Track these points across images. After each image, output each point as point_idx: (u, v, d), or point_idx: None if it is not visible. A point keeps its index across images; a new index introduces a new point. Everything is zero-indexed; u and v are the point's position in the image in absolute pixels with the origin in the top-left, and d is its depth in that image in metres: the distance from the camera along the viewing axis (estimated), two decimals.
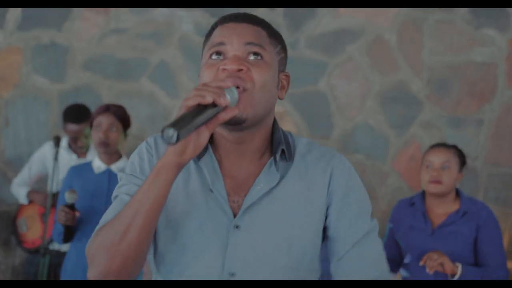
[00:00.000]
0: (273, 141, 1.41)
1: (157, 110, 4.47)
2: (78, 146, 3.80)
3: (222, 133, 1.38)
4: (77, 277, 3.17)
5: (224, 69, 1.34)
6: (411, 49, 4.40)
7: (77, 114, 3.81)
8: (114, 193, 1.42)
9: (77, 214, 3.08)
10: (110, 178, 3.24)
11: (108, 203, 3.29)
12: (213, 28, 1.45)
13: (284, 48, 1.45)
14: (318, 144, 1.48)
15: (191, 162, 1.38)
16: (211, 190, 1.36)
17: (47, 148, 3.89)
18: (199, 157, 1.38)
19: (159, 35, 4.47)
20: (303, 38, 4.38)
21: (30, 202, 3.91)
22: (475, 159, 4.39)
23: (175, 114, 4.44)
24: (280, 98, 1.44)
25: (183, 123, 1.18)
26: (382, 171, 4.41)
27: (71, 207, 3.06)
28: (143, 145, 1.45)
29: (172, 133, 1.15)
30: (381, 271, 1.41)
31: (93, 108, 4.25)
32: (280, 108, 4.38)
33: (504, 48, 4.36)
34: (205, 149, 1.39)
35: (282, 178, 1.39)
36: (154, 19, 4.48)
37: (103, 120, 3.18)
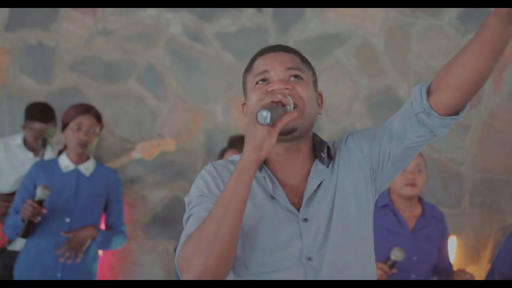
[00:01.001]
0: (315, 144, 1.64)
1: (144, 112, 4.45)
2: (38, 145, 3.73)
3: (275, 149, 1.56)
4: (35, 274, 3.14)
5: (271, 90, 1.53)
6: (399, 54, 4.42)
7: (45, 113, 3.77)
8: (186, 216, 1.56)
9: (44, 211, 3.06)
10: (78, 179, 3.23)
11: (77, 202, 3.28)
12: (253, 61, 1.65)
13: (314, 73, 1.69)
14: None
15: None
16: (273, 197, 1.55)
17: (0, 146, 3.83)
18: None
19: (146, 37, 4.46)
20: (291, 42, 4.38)
21: None
22: (461, 165, 4.41)
23: (162, 116, 4.43)
24: (318, 114, 1.65)
25: (271, 109, 1.40)
26: None
27: (40, 202, 3.04)
28: (203, 172, 1.62)
29: (266, 114, 1.38)
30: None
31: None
32: None
33: None
34: (261, 166, 1.58)
35: (330, 169, 1.60)
36: (141, 20, 4.47)
37: (85, 121, 3.17)
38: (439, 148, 4.41)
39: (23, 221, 3.08)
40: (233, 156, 1.68)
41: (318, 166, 1.60)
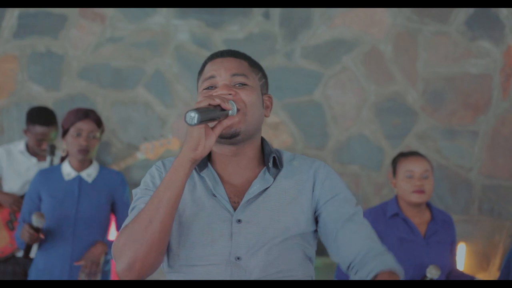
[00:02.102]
0: (264, 152, 1.67)
1: (152, 119, 4.46)
2: (41, 149, 3.72)
3: (220, 150, 1.63)
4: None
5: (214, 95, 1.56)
6: (406, 60, 4.41)
7: (46, 117, 3.75)
8: (130, 207, 1.63)
9: (41, 236, 3.05)
10: (80, 186, 3.19)
11: (79, 211, 3.25)
12: (204, 65, 1.72)
13: (264, 75, 1.73)
14: (299, 154, 1.75)
15: (195, 174, 1.63)
16: (214, 195, 1.59)
17: (2, 153, 3.83)
18: (201, 170, 1.63)
19: (154, 44, 4.48)
20: (299, 48, 4.38)
21: None
22: (469, 171, 4.39)
23: (170, 123, 4.44)
24: (266, 116, 1.70)
25: (201, 110, 1.43)
26: (376, 182, 4.40)
27: (36, 229, 3.02)
28: (153, 168, 1.68)
29: (194, 115, 1.41)
30: (375, 243, 1.59)
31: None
32: (275, 118, 4.38)
33: (498, 60, 4.37)
34: (205, 165, 1.64)
35: (274, 179, 1.64)
36: (149, 28, 4.48)
37: (84, 127, 3.12)
38: (447, 155, 4.39)
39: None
40: None
41: (265, 174, 1.64)
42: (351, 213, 1.61)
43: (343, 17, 4.41)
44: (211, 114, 1.47)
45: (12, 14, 4.48)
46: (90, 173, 3.21)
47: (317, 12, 4.41)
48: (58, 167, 3.23)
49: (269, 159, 1.64)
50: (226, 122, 1.52)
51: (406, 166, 3.00)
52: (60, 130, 3.36)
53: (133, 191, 1.67)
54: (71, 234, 3.13)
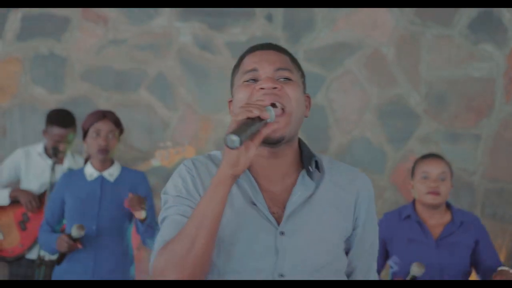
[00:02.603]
0: (303, 154, 1.56)
1: (155, 121, 4.47)
2: (59, 151, 3.75)
3: (259, 151, 1.50)
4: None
5: (261, 88, 1.49)
6: (409, 63, 4.41)
7: (64, 118, 3.78)
8: (162, 215, 1.52)
9: (79, 246, 3.08)
10: (103, 185, 3.24)
11: (101, 209, 3.27)
12: (241, 58, 1.60)
13: (303, 74, 1.62)
14: (336, 160, 1.64)
15: None
16: (253, 203, 1.49)
17: (20, 155, 3.85)
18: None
19: (157, 47, 4.48)
20: (302, 51, 4.38)
21: (13, 201, 3.76)
22: (472, 174, 4.38)
23: (172, 126, 4.44)
24: (305, 116, 1.58)
25: (241, 130, 1.35)
26: (379, 185, 4.40)
27: (75, 239, 3.06)
28: (182, 168, 1.56)
29: (235, 138, 1.33)
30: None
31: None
32: None
33: (502, 63, 4.37)
34: None
35: (317, 185, 1.53)
36: (152, 30, 4.48)
37: (102, 127, 3.19)
38: (450, 158, 4.37)
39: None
40: (214, 152, 1.62)
41: (305, 178, 1.53)
42: (370, 243, 1.60)
43: (345, 20, 4.41)
44: (251, 129, 1.38)
45: (15, 16, 4.49)
46: (112, 173, 3.27)
47: (319, 15, 4.41)
48: (81, 170, 3.31)
49: (311, 162, 1.54)
50: (265, 131, 1.41)
51: (423, 168, 3.01)
52: (80, 133, 3.40)
53: (163, 196, 1.56)
54: (93, 233, 3.16)
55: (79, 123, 4.03)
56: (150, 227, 3.19)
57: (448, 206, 3.07)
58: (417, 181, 3.01)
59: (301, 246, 1.47)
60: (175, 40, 4.48)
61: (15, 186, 3.86)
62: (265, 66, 1.52)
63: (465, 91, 4.39)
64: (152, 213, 3.29)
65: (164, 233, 1.47)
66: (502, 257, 4.31)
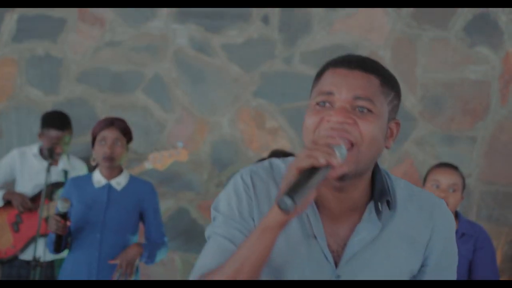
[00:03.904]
0: (375, 187, 1.38)
1: (151, 123, 4.46)
2: (56, 153, 3.74)
3: (323, 182, 1.34)
4: None
5: (329, 121, 1.32)
6: (405, 66, 4.42)
7: (60, 120, 3.79)
8: (208, 232, 1.41)
9: (68, 223, 3.07)
10: (110, 193, 3.24)
11: (106, 218, 3.29)
12: (323, 70, 1.40)
13: (397, 95, 1.42)
14: (414, 186, 1.46)
15: None
16: (314, 237, 1.35)
17: (16, 155, 3.85)
18: None
19: (153, 49, 4.48)
20: (298, 54, 4.39)
21: (6, 203, 3.76)
22: (468, 177, 4.39)
23: (168, 128, 4.43)
24: (387, 147, 1.39)
25: (298, 190, 1.19)
26: None
27: (63, 216, 3.05)
28: (239, 183, 1.40)
29: (290, 203, 1.17)
30: None
31: (86, 120, 4.25)
32: (274, 123, 4.39)
33: (497, 66, 4.38)
34: None
35: (384, 227, 1.37)
36: (149, 32, 4.48)
37: (108, 135, 3.19)
38: (445, 161, 4.39)
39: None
40: (277, 162, 1.44)
41: (372, 215, 1.36)
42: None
43: (342, 23, 4.42)
44: (311, 182, 1.22)
45: (11, 17, 4.48)
46: (119, 182, 3.26)
47: (316, 18, 4.42)
48: (89, 175, 3.30)
49: (382, 199, 1.37)
50: (331, 175, 1.26)
51: (435, 176, 3.00)
52: (76, 134, 3.40)
53: (213, 212, 1.41)
54: (98, 241, 3.16)
55: (75, 125, 4.04)
56: (152, 255, 3.22)
57: (456, 216, 3.05)
58: (427, 188, 2.99)
59: None
60: (172, 42, 4.47)
61: (10, 187, 3.86)
62: (343, 92, 1.32)
63: (461, 93, 4.40)
64: (159, 230, 3.31)
65: (205, 258, 1.36)
66: (497, 260, 4.32)
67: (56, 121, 3.77)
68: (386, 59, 4.40)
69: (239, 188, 1.39)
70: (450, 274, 1.42)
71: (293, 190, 1.19)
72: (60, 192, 3.45)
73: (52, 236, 3.12)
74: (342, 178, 1.31)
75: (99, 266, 3.17)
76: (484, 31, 4.37)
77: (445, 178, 2.97)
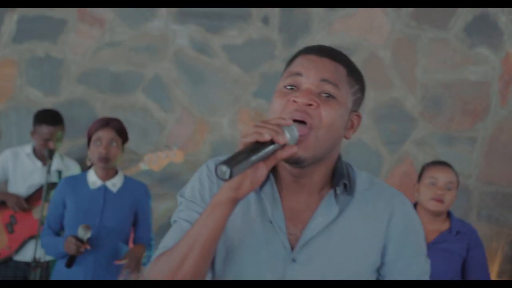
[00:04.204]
0: (336, 173, 1.42)
1: (151, 124, 4.46)
2: (45, 156, 3.73)
3: (284, 166, 1.39)
4: None
5: (294, 101, 1.34)
6: (405, 66, 4.42)
7: (52, 116, 3.78)
8: (173, 217, 1.45)
9: (88, 247, 3.07)
10: (106, 195, 3.22)
11: (102, 220, 3.28)
12: (295, 57, 1.44)
13: (362, 89, 1.45)
14: (376, 178, 1.49)
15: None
16: (270, 222, 1.38)
17: (8, 156, 3.84)
18: (260, 186, 1.39)
19: (153, 49, 4.48)
20: None
21: (0, 204, 3.75)
22: (468, 177, 4.39)
23: (168, 128, 4.44)
24: (346, 138, 1.44)
25: (237, 160, 1.21)
26: None
27: (81, 240, 3.05)
28: (204, 170, 1.45)
29: (225, 170, 1.19)
30: None
31: (86, 121, 4.24)
32: None
33: (497, 67, 4.38)
34: (267, 178, 1.40)
35: (341, 211, 1.39)
36: (149, 32, 4.48)
37: (104, 135, 3.16)
38: (446, 161, 4.39)
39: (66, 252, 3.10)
40: None
41: (330, 201, 1.39)
42: (417, 274, 1.41)
43: (342, 23, 4.42)
44: (254, 157, 1.23)
45: (11, 18, 4.48)
46: (115, 183, 3.25)
47: (316, 18, 4.42)
48: (84, 175, 3.28)
49: (339, 183, 1.40)
50: (280, 154, 1.26)
51: (432, 173, 3.00)
52: (68, 133, 3.38)
53: (178, 198, 1.47)
54: (94, 243, 3.14)
55: (75, 126, 4.04)
56: (150, 256, 3.23)
57: (448, 214, 3.07)
58: (423, 185, 3.01)
59: (312, 277, 1.34)
60: (172, 43, 4.47)
61: (2, 187, 3.84)
62: (310, 73, 1.36)
63: (461, 94, 4.40)
64: (149, 231, 3.32)
65: (167, 239, 1.41)
66: (497, 260, 4.32)
67: (48, 117, 3.77)
68: (386, 59, 4.40)
69: (203, 174, 1.45)
70: (413, 258, 1.41)
71: (231, 160, 1.20)
72: (53, 192, 3.44)
73: (59, 247, 3.11)
74: (300, 163, 1.34)
75: (95, 269, 3.16)
76: (484, 31, 4.37)
77: (442, 176, 2.98)
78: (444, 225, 3.04)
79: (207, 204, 1.36)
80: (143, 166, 3.94)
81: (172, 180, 4.36)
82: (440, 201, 2.96)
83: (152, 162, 3.93)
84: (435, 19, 4.38)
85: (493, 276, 4.29)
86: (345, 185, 1.40)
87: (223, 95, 4.44)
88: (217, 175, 1.20)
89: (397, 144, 4.42)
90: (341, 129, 1.39)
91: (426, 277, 1.43)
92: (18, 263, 3.65)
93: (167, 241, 1.40)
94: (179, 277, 1.30)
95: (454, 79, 4.41)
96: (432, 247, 2.97)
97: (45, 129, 3.72)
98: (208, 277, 1.44)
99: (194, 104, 4.46)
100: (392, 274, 1.40)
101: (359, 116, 1.46)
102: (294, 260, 1.35)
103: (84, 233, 3.04)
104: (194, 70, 4.47)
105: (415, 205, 3.07)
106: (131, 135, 4.43)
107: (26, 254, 3.62)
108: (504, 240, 4.35)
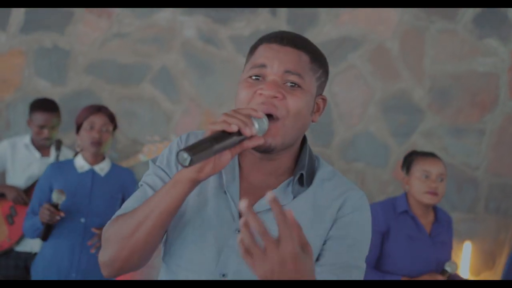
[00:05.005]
0: (298, 163, 1.44)
1: (158, 115, 4.47)
2: (43, 138, 3.73)
3: (252, 149, 1.41)
4: (51, 274, 3.15)
5: (261, 94, 1.37)
6: (413, 57, 4.40)
7: (46, 103, 3.78)
8: (141, 180, 1.49)
9: (62, 214, 3.08)
10: (94, 179, 3.24)
11: (91, 203, 3.27)
12: (257, 44, 1.46)
13: (325, 72, 1.47)
14: (341, 174, 1.49)
15: None
16: (224, 192, 1.41)
17: (7, 146, 3.84)
18: None
19: (161, 40, 4.48)
20: None
21: (0, 196, 3.74)
22: (476, 169, 4.38)
23: (175, 119, 4.44)
24: (313, 121, 1.47)
25: (200, 148, 1.22)
26: (382, 180, 4.40)
27: (56, 206, 3.06)
28: (174, 141, 1.50)
29: (186, 157, 1.20)
30: None
31: None
32: None
33: (506, 58, 4.35)
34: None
35: (294, 198, 1.41)
36: (156, 24, 4.48)
37: (97, 120, 3.19)
38: (454, 153, 4.38)
39: (42, 224, 3.11)
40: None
41: (288, 188, 1.42)
42: (346, 264, 1.37)
43: (350, 15, 4.40)
44: (218, 145, 1.25)
45: (19, 9, 4.49)
46: (103, 168, 3.28)
47: (323, 9, 4.40)
48: (71, 161, 3.29)
49: (296, 174, 1.42)
50: (247, 144, 1.30)
51: (424, 166, 2.99)
52: (64, 126, 3.38)
53: (150, 161, 1.51)
54: (82, 225, 3.16)
55: None
56: None
57: (434, 208, 3.10)
58: (416, 178, 2.99)
59: None
60: (179, 34, 4.47)
61: (1, 178, 3.85)
62: (274, 65, 1.38)
63: (469, 86, 4.38)
64: None
65: (129, 201, 1.44)
66: (505, 252, 4.31)
67: (43, 104, 3.77)
68: (393, 51, 4.39)
69: (174, 143, 1.49)
70: (351, 242, 1.39)
71: (194, 147, 1.22)
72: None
73: (36, 223, 3.12)
74: (269, 151, 1.38)
75: (82, 251, 3.17)
76: (493, 23, 4.35)
77: (434, 168, 2.98)
78: (431, 216, 3.06)
79: (171, 170, 1.44)
80: (142, 157, 3.94)
81: None
82: (435, 194, 2.96)
83: (152, 153, 3.93)
84: (444, 11, 4.36)
85: (500, 268, 4.28)
86: (301, 175, 1.42)
87: (230, 86, 4.43)
88: (178, 160, 1.21)
89: (405, 136, 4.40)
90: (307, 115, 1.42)
91: (356, 273, 1.39)
92: (20, 253, 3.66)
93: (127, 204, 1.44)
94: (131, 242, 1.34)
95: (462, 71, 4.39)
96: (434, 240, 2.99)
97: (39, 116, 3.72)
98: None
99: (201, 95, 4.45)
100: (322, 260, 1.38)
101: (324, 99, 1.49)
102: (238, 231, 1.36)
103: (58, 197, 3.04)
104: (201, 61, 4.46)
105: (406, 196, 3.05)
106: (138, 126, 4.45)
107: (27, 244, 3.63)
108: (511, 232, 4.34)
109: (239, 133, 1.27)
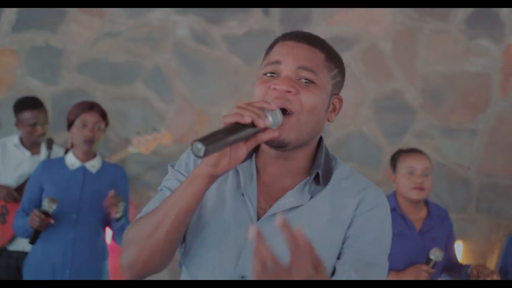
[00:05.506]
0: (315, 162, 1.45)
1: (150, 114, 4.46)
2: (37, 135, 3.72)
3: (267, 149, 1.44)
4: (44, 272, 3.14)
5: (275, 89, 1.38)
6: (406, 58, 4.41)
7: (32, 101, 3.77)
8: (161, 185, 1.50)
9: (51, 221, 3.07)
10: (85, 176, 3.24)
11: (82, 199, 3.28)
12: (274, 43, 1.48)
13: (341, 72, 1.49)
14: (358, 173, 1.49)
15: None
16: (242, 194, 1.42)
17: None
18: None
19: (153, 40, 4.47)
20: None
21: None
22: (468, 169, 4.39)
23: (168, 119, 4.43)
24: (329, 121, 1.47)
25: (214, 139, 1.22)
26: (375, 179, 4.40)
27: (47, 213, 3.04)
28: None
29: (200, 147, 1.20)
30: None
31: None
32: None
33: (498, 58, 4.37)
34: (249, 155, 1.46)
35: (311, 198, 1.41)
36: (149, 23, 4.47)
37: (89, 118, 3.19)
38: (446, 153, 4.39)
39: (31, 227, 3.10)
40: None
41: (305, 187, 1.42)
42: (368, 261, 1.37)
43: (343, 15, 4.40)
44: (232, 137, 1.25)
45: (11, 8, 4.47)
46: (94, 165, 3.28)
47: (316, 10, 4.40)
48: (62, 159, 3.30)
49: (313, 173, 1.42)
50: (261, 137, 1.30)
51: (408, 163, 3.02)
52: (53, 123, 3.37)
53: (169, 166, 1.52)
54: (74, 221, 3.16)
55: None
56: (123, 227, 3.19)
57: (424, 200, 3.11)
58: (401, 175, 3.03)
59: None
60: (172, 33, 4.46)
61: None
62: (288, 61, 1.39)
63: (462, 86, 4.39)
64: (127, 213, 3.31)
65: (149, 205, 1.45)
66: (496, 252, 4.32)
67: (27, 102, 3.76)
68: (386, 51, 4.39)
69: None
70: (372, 239, 1.39)
71: (208, 138, 1.21)
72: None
73: (26, 225, 3.11)
74: (284, 146, 1.38)
75: (74, 247, 3.17)
76: (485, 23, 4.36)
77: (418, 164, 3.01)
78: (423, 212, 3.08)
79: (189, 171, 1.44)
80: (131, 149, 3.94)
81: None
82: (421, 189, 2.99)
83: (141, 145, 3.93)
84: (436, 11, 4.37)
85: (492, 268, 4.29)
86: (317, 174, 1.42)
87: (223, 86, 4.43)
88: (192, 151, 1.21)
89: (397, 136, 4.41)
90: (322, 113, 1.42)
91: (378, 270, 1.39)
92: (11, 252, 3.65)
93: (149, 207, 1.44)
94: (151, 242, 1.34)
95: (454, 71, 4.40)
96: (423, 236, 3.00)
97: (28, 115, 3.71)
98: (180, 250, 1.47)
99: (194, 95, 4.45)
100: (344, 257, 1.37)
101: (340, 99, 1.49)
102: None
103: (49, 206, 3.04)
104: (194, 60, 4.46)
105: (395, 194, 3.08)
106: (130, 125, 4.44)
107: (19, 243, 3.62)
108: (503, 232, 4.36)
109: (253, 125, 1.27)
